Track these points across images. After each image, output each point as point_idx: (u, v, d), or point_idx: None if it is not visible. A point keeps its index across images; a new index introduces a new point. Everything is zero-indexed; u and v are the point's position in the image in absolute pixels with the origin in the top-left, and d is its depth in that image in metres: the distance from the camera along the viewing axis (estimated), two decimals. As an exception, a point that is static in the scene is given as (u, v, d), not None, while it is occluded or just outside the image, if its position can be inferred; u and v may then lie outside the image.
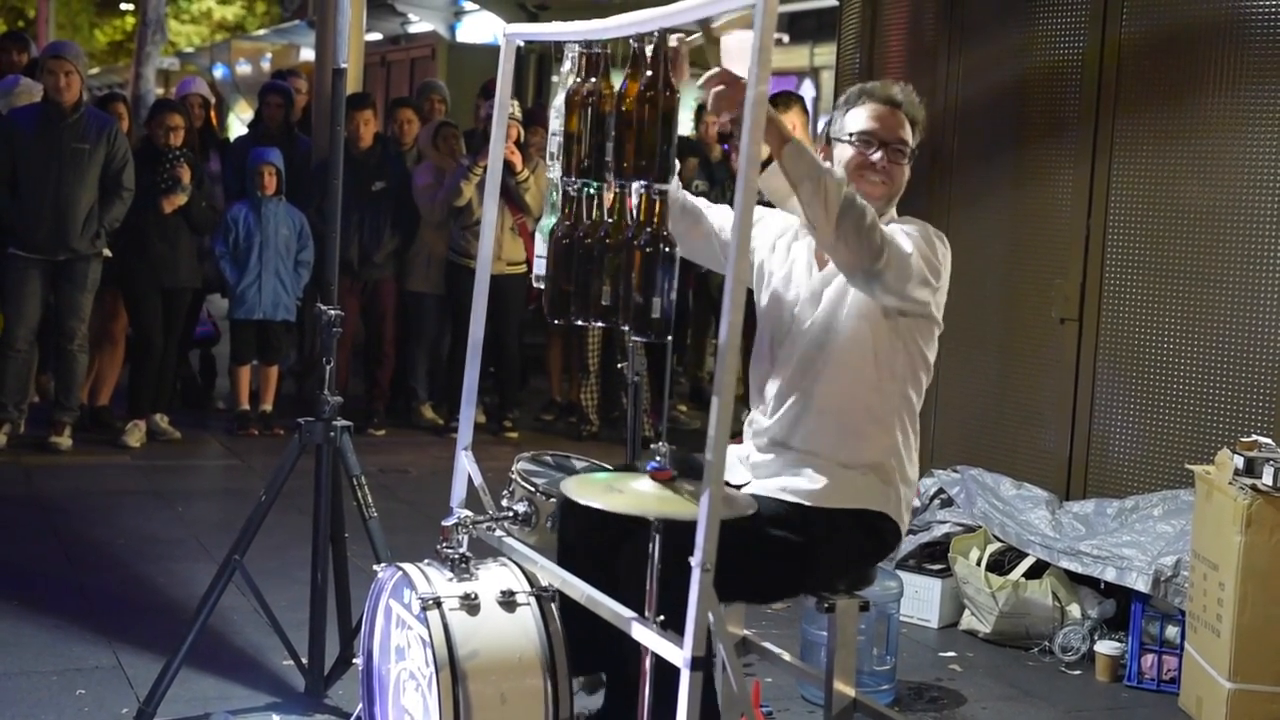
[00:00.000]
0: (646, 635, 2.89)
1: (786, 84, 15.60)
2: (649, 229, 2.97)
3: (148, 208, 7.58)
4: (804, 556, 3.33)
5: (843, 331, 3.39)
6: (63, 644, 4.68)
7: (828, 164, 3.34)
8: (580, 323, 3.15)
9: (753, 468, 3.52)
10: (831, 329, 3.41)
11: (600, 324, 3.12)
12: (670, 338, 2.99)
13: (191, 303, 8.19)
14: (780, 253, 3.59)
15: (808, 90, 15.54)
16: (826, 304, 3.42)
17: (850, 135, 3.47)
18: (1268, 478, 4.18)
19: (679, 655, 2.73)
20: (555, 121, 3.28)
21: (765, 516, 3.21)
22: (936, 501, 5.61)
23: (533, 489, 3.62)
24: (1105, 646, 4.89)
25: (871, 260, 3.15)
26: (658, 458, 3.04)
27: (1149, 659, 4.82)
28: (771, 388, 3.50)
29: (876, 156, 3.45)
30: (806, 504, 3.36)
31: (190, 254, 7.86)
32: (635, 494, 2.97)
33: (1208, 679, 4.36)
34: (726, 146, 9.66)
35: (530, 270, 8.03)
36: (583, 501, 2.98)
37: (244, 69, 20.98)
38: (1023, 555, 5.16)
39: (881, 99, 3.50)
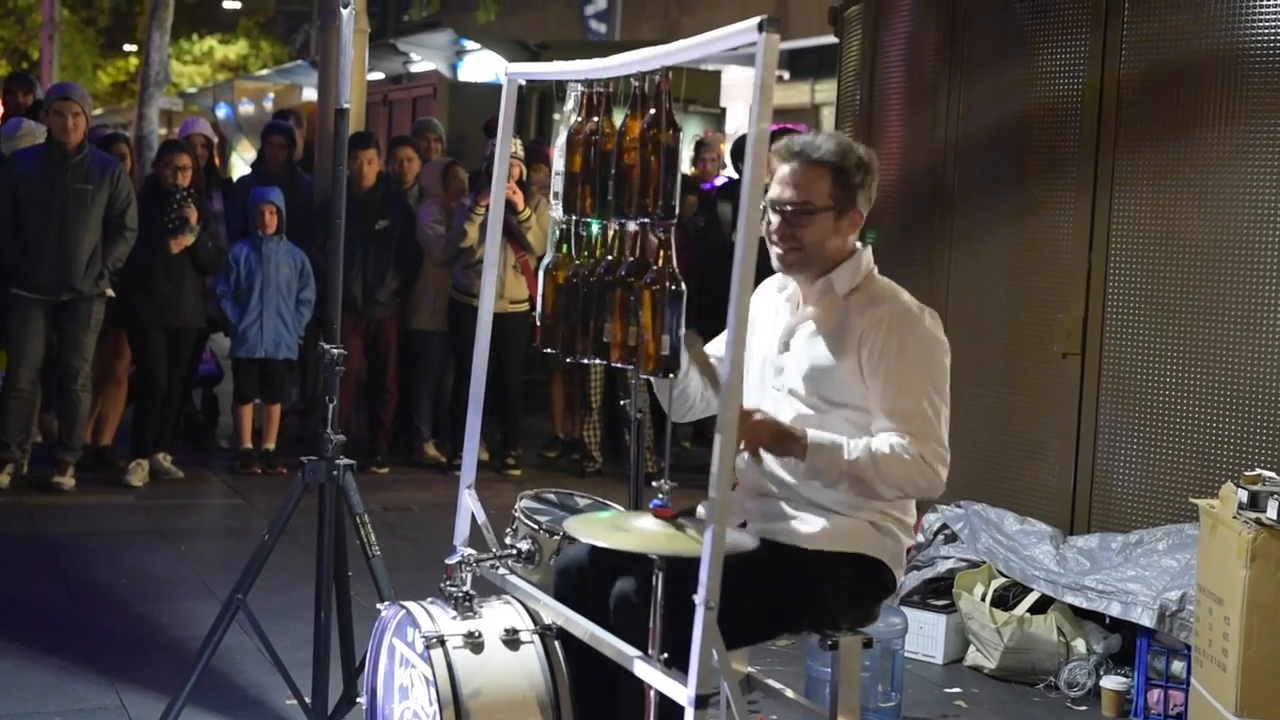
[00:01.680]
0: (650, 673, 2.87)
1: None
2: (655, 267, 2.97)
3: (154, 247, 7.60)
4: (801, 597, 3.29)
5: (831, 397, 3.33)
6: (66, 684, 4.66)
7: (842, 443, 3.20)
8: (582, 360, 3.16)
9: (745, 512, 3.47)
10: (819, 397, 3.35)
11: (600, 361, 3.11)
12: (674, 375, 2.99)
13: (195, 342, 8.20)
14: (762, 322, 3.53)
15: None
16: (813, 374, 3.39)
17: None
18: (1272, 511, 4.16)
19: (683, 694, 2.72)
20: (558, 160, 3.29)
21: (762, 559, 3.18)
22: (940, 537, 5.59)
23: (536, 527, 3.61)
24: (1111, 682, 4.87)
25: (935, 486, 3.22)
26: (660, 495, 3.03)
27: (1155, 694, 4.80)
28: None
29: (774, 223, 3.34)
30: (801, 547, 3.32)
31: (195, 293, 7.88)
32: (639, 532, 2.96)
33: (1214, 714, 4.33)
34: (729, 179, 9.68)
35: (533, 308, 8.11)
36: (586, 540, 2.97)
37: (247, 109, 21.03)
38: (1027, 590, 5.15)
39: (782, 154, 3.36)
